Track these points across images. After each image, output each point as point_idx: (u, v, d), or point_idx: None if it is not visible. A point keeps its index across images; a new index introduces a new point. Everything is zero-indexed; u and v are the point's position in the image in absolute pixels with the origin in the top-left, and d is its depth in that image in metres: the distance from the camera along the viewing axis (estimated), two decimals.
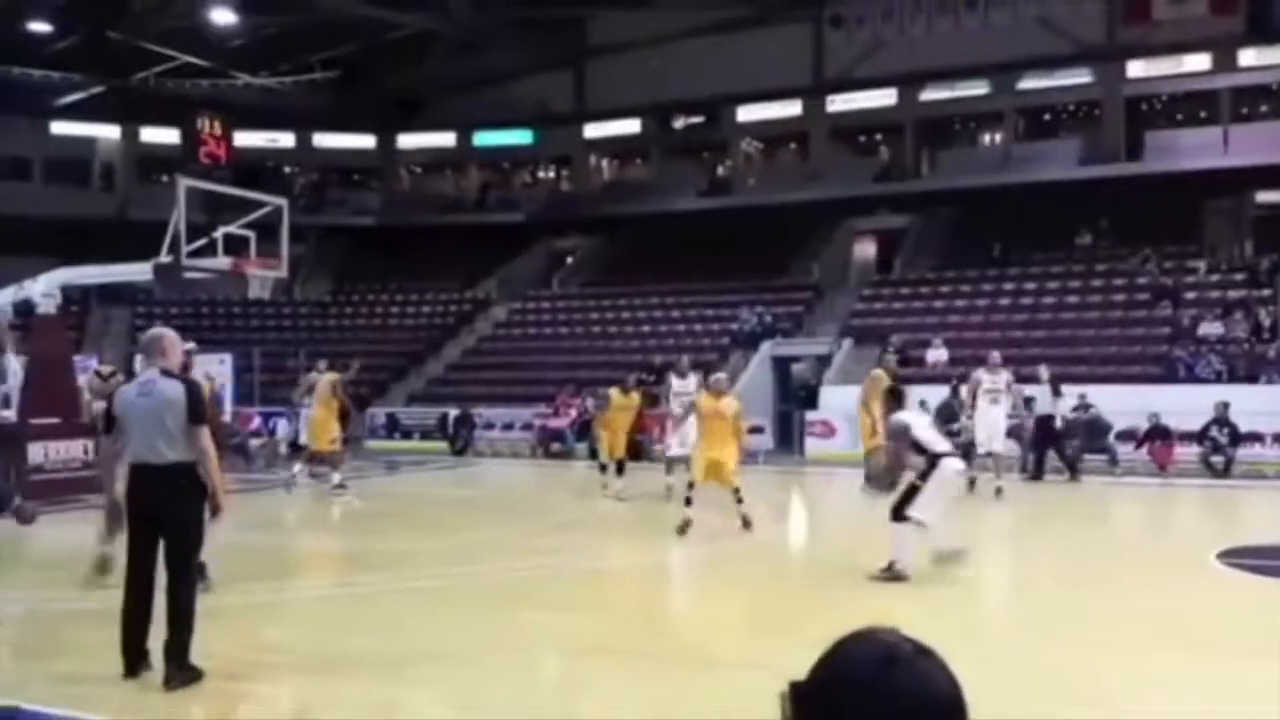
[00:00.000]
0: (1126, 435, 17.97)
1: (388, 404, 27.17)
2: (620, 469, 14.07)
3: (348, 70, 33.32)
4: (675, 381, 14.77)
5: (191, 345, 7.76)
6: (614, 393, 14.50)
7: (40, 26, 29.38)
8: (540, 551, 10.27)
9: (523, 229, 34.93)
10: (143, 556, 5.73)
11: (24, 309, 16.19)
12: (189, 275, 15.36)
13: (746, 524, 10.69)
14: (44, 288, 15.02)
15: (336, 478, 14.22)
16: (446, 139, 37.23)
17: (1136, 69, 28.97)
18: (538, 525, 12.25)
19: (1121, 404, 18.09)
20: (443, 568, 9.42)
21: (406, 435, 24.96)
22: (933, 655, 1.23)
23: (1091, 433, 17.80)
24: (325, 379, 14.68)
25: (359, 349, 28.90)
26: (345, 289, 34.65)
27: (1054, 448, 16.50)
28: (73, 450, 13.63)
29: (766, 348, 24.96)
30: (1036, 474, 16.36)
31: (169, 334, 6.14)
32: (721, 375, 12.46)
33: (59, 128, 34.83)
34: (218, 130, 29.50)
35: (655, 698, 5.52)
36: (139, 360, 6.17)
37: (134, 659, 5.62)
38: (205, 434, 5.87)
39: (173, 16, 28.99)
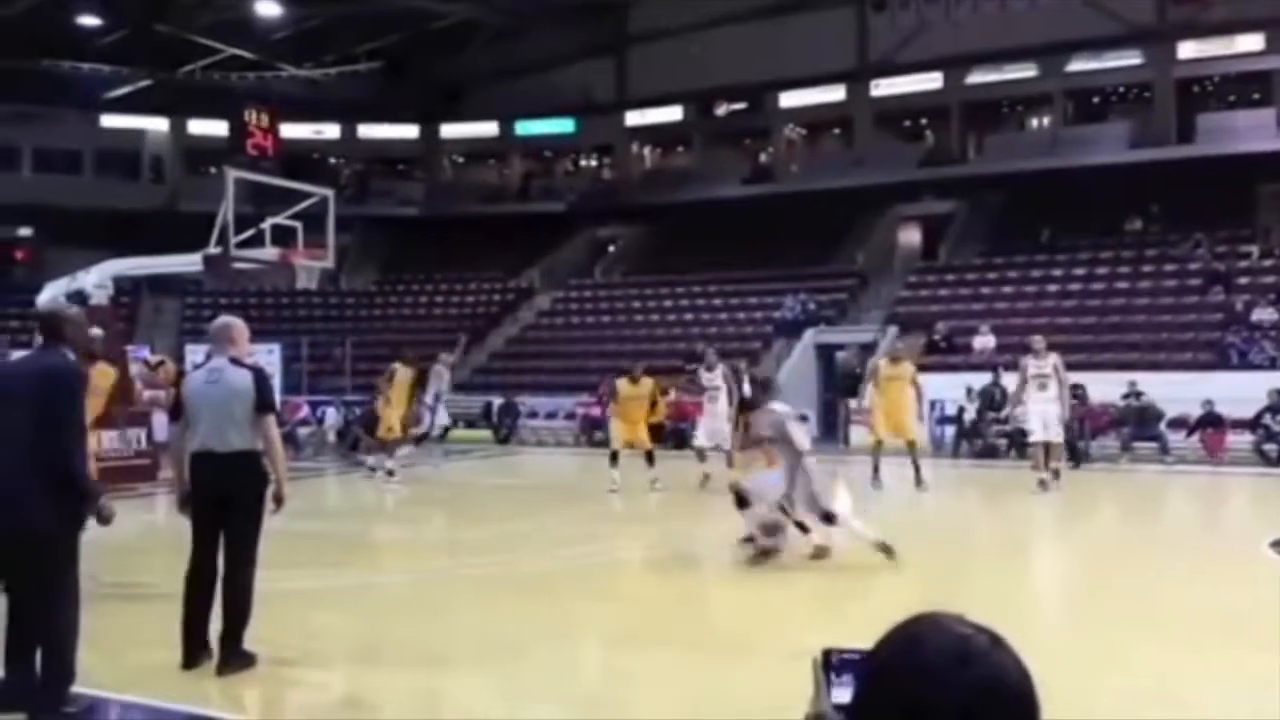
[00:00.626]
0: (1178, 423, 17.70)
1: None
2: (650, 459, 13.86)
3: (391, 61, 33.52)
4: (703, 375, 14.71)
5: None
6: (622, 382, 14.27)
7: (90, 20, 29.83)
8: (583, 540, 10.31)
9: (565, 218, 35.00)
10: (205, 545, 5.77)
11: (77, 299, 16.48)
12: (237, 266, 15.56)
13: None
14: (96, 278, 15.27)
15: (390, 464, 14.46)
16: (489, 128, 37.37)
17: (1188, 50, 28.43)
18: (580, 514, 12.29)
19: (1174, 391, 17.81)
20: (487, 556, 9.48)
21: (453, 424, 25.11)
22: (1005, 645, 1.21)
23: (1142, 420, 17.56)
24: (409, 369, 14.93)
25: (404, 338, 29.23)
26: (390, 278, 34.93)
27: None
28: (125, 439, 13.86)
29: (810, 335, 24.84)
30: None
31: (237, 323, 6.09)
32: (901, 344, 12.61)
33: (109, 120, 35.37)
34: (265, 122, 29.85)
35: (699, 687, 5.52)
36: (209, 348, 6.16)
37: (194, 648, 5.66)
38: (272, 423, 5.90)
39: (219, 9, 29.31)
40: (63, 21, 29.24)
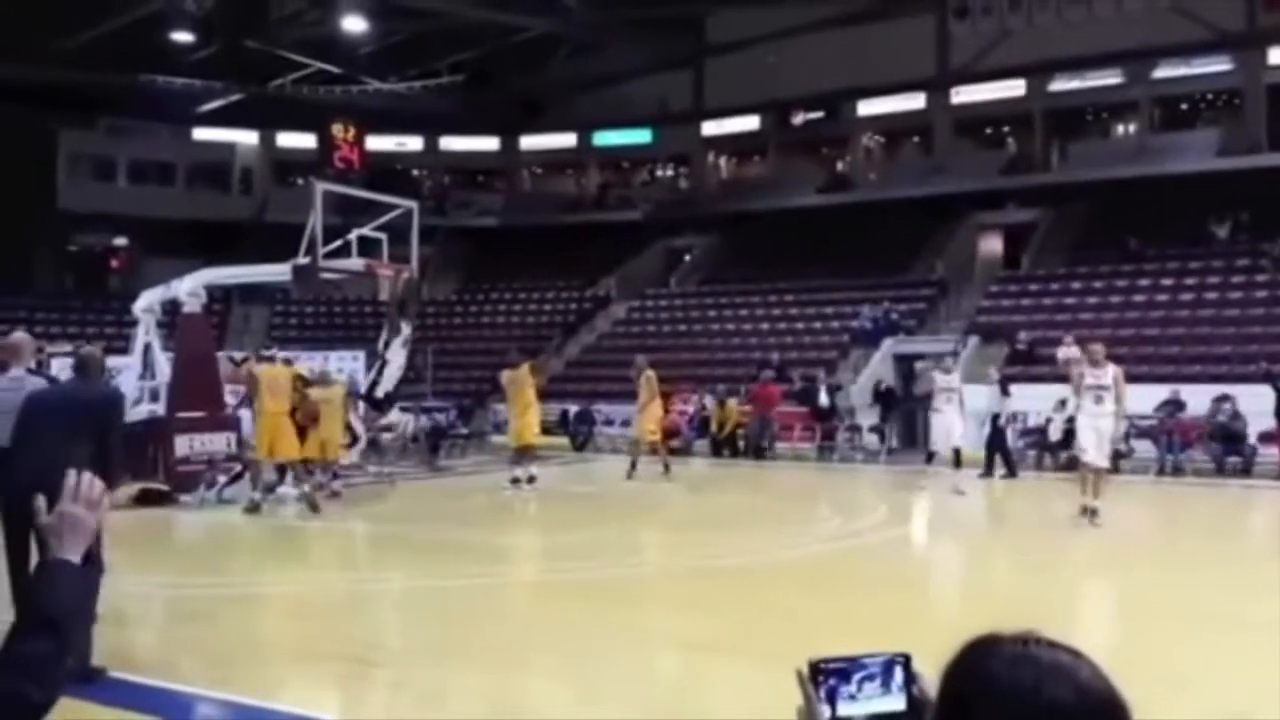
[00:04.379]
0: (1268, 437, 17.23)
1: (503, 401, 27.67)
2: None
3: (473, 74, 34.03)
4: (939, 377, 15.30)
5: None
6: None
7: (183, 37, 30.77)
8: (657, 548, 10.39)
9: (641, 227, 35.18)
10: None
11: (170, 307, 17.07)
12: (324, 276, 15.95)
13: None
14: (189, 287, 15.75)
15: (520, 472, 14.64)
16: (567, 139, 37.74)
17: (1279, 56, 27.67)
18: (655, 521, 12.38)
19: (1265, 404, 17.33)
20: (561, 562, 9.61)
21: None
22: (1083, 659, 1.16)
23: (1229, 434, 17.14)
24: (520, 373, 15.02)
25: (483, 346, 29.67)
26: (470, 288, 35.45)
27: (998, 446, 16.92)
28: (216, 443, 14.25)
29: (888, 345, 24.65)
30: (986, 472, 16.59)
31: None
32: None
33: (201, 134, 36.46)
34: (351, 135, 30.53)
35: (769, 697, 5.54)
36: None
37: None
38: None
39: (306, 25, 30.04)
40: (157, 38, 30.18)
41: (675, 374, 24.57)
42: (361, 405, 16.08)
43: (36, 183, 33.22)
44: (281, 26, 30.07)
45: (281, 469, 13.45)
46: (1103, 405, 11.58)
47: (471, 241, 36.33)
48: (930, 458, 15.38)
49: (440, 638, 7.13)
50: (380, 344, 16.54)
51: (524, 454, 15.03)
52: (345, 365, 21.54)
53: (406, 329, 15.57)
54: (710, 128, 35.89)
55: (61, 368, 12.26)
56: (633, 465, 16.20)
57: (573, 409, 24.34)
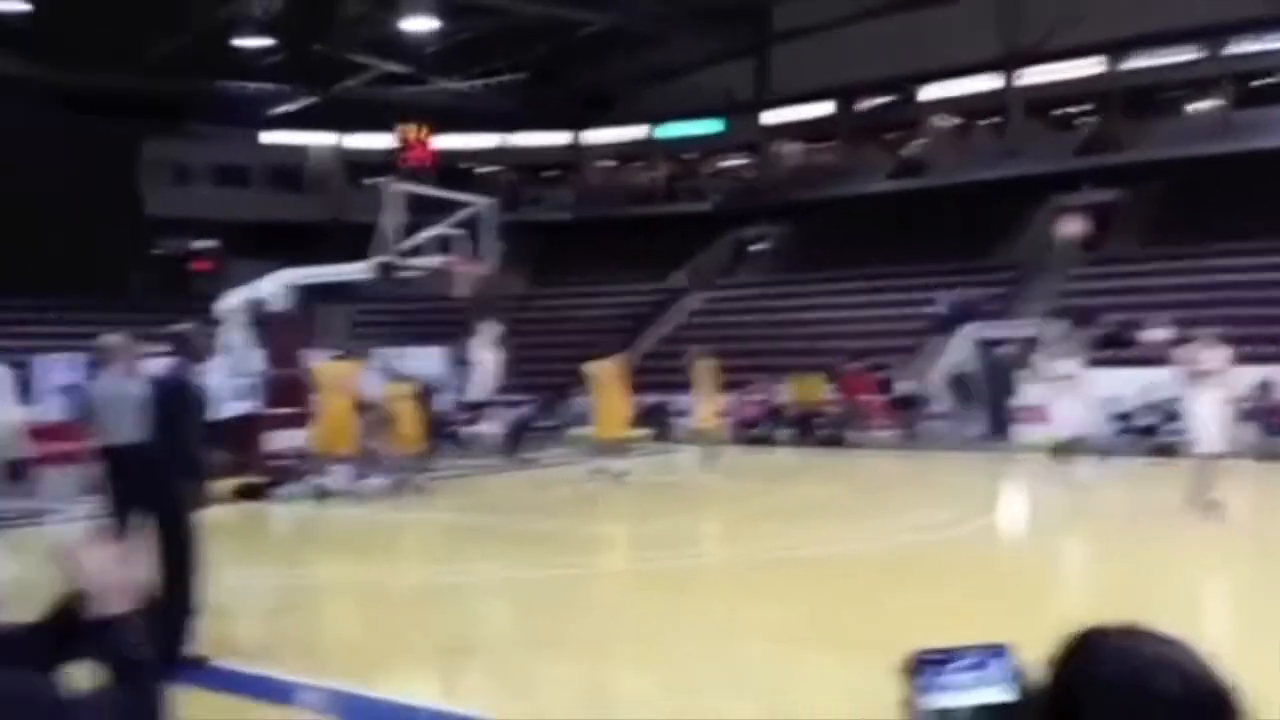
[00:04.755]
0: None
1: (586, 394, 27.82)
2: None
3: (539, 70, 34.26)
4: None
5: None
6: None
7: (254, 42, 31.43)
8: (741, 538, 10.40)
9: (711, 218, 35.13)
10: None
11: (255, 307, 17.47)
12: (401, 274, 16.20)
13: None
14: (272, 287, 16.12)
15: (606, 464, 14.59)
16: (635, 132, 37.82)
17: None
18: (734, 513, 12.38)
19: None
20: (646, 552, 9.68)
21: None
22: (1189, 650, 1.16)
23: None
24: (606, 366, 14.97)
25: (555, 340, 29.86)
26: (543, 282, 35.70)
27: None
28: (305, 438, 14.55)
29: (968, 331, 24.31)
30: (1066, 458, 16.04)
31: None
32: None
33: (273, 137, 37.20)
34: (421, 135, 30.96)
35: (858, 686, 5.52)
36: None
37: None
38: None
39: (374, 27, 30.48)
40: (229, 44, 30.89)
41: (749, 364, 24.53)
42: (448, 402, 16.22)
43: (123, 190, 34.21)
44: (348, 29, 30.56)
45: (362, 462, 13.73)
46: (1218, 392, 11.40)
47: (542, 236, 36.56)
48: (1057, 448, 14.71)
49: (529, 627, 7.23)
50: (467, 347, 16.60)
51: (611, 447, 14.96)
52: (423, 362, 21.83)
53: (493, 327, 15.60)
54: (776, 116, 35.69)
55: (155, 368, 12.59)
56: (706, 457, 16.20)
57: (648, 401, 24.38)
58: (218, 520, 8.32)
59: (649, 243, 33.78)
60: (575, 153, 38.89)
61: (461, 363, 16.08)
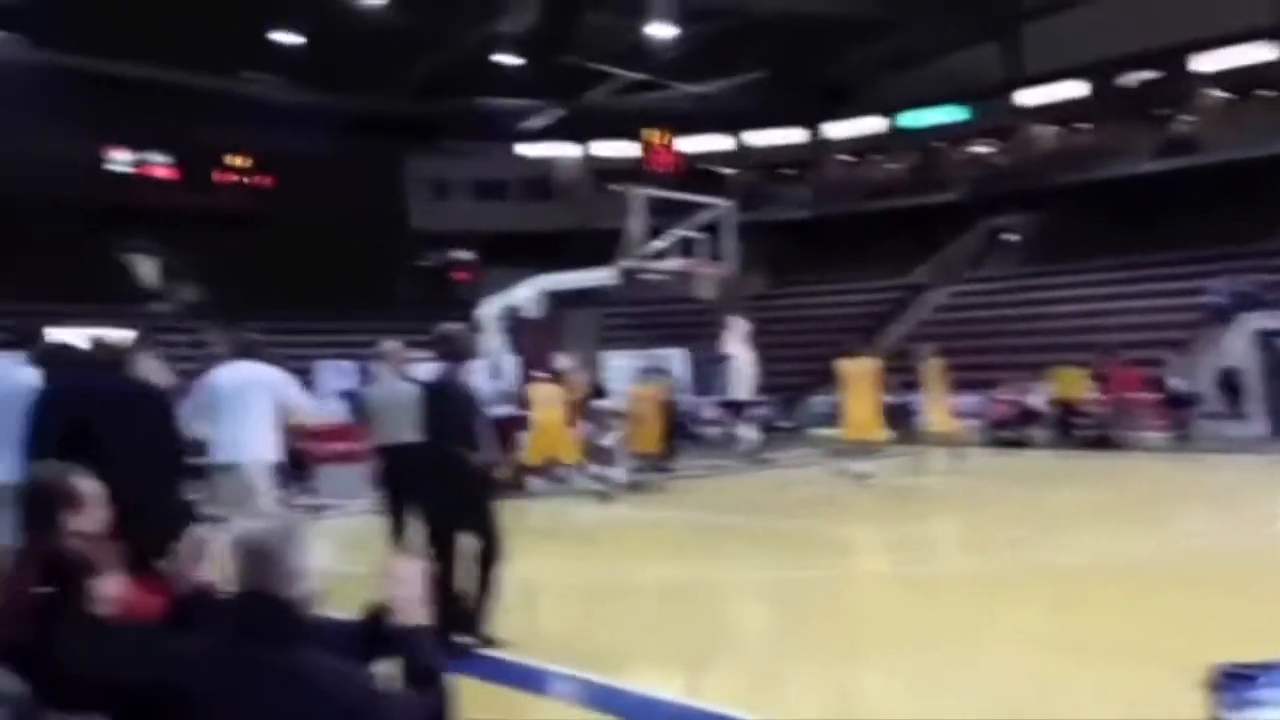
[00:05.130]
0: None
1: (829, 392, 27.55)
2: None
3: (777, 68, 34.19)
4: None
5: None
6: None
7: (508, 60, 33.00)
8: (990, 543, 10.03)
9: (957, 209, 33.99)
10: None
11: (511, 314, 18.38)
12: (645, 277, 16.61)
13: None
14: (526, 294, 16.90)
15: (853, 466, 14.16)
16: (875, 124, 37.12)
17: None
18: (986, 517, 11.95)
19: None
20: (891, 556, 9.51)
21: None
22: None
23: None
24: (860, 364, 14.64)
25: (795, 340, 29.72)
26: (780, 281, 35.60)
27: None
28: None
29: (1246, 322, 22.40)
30: None
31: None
32: None
33: (527, 150, 38.92)
34: (665, 140, 31.60)
35: (1136, 698, 5.24)
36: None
37: None
38: None
39: (618, 36, 31.33)
40: (486, 63, 32.57)
41: (1000, 361, 23.58)
42: (693, 402, 16.44)
43: (390, 206, 36.76)
44: (593, 41, 31.53)
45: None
46: None
47: (781, 235, 36.45)
48: None
49: (774, 627, 7.26)
50: (718, 346, 16.75)
51: (858, 448, 14.61)
52: (670, 364, 22.28)
53: (740, 324, 15.65)
54: (1028, 97, 34.13)
55: (426, 371, 13.43)
56: (950, 457, 15.62)
57: (891, 400, 23.85)
58: None
59: (890, 237, 33.07)
60: (813, 149, 38.55)
61: (713, 362, 16.16)
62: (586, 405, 14.40)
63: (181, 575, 2.94)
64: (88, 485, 3.30)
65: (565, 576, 8.91)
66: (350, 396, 26.68)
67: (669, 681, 5.98)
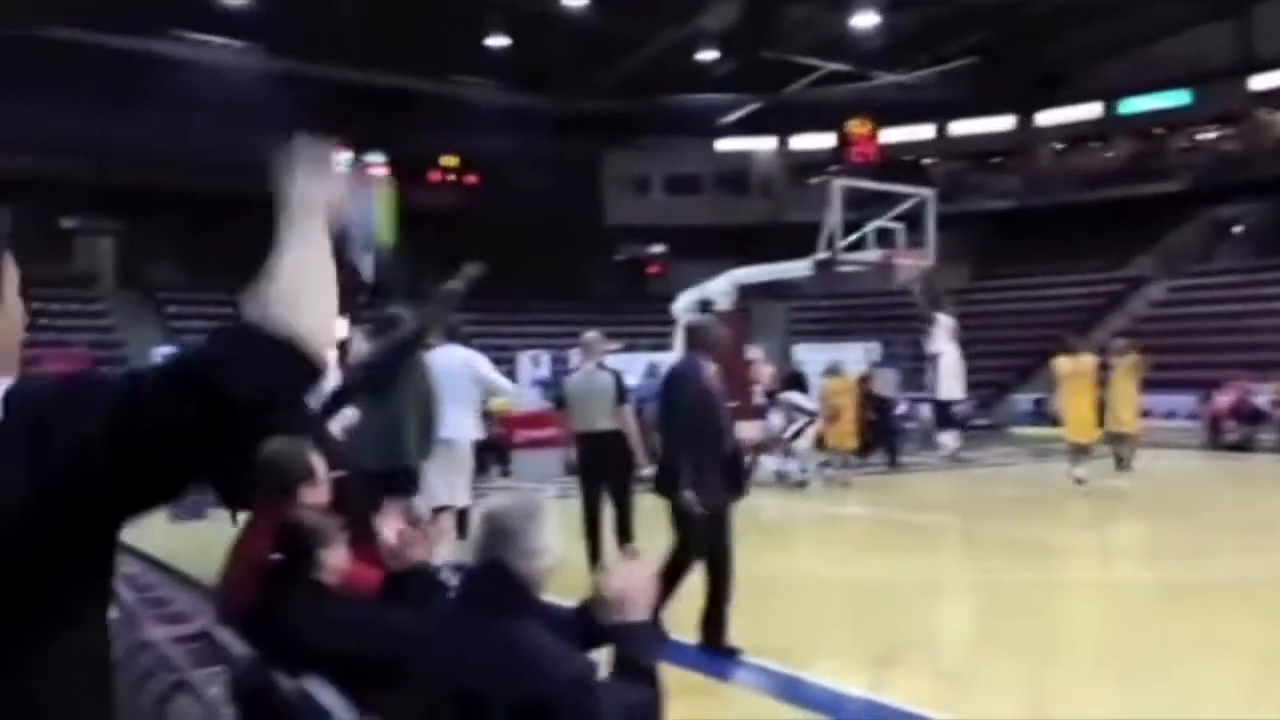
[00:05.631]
0: None
1: (1033, 390, 26.53)
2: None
3: (985, 54, 33.01)
4: None
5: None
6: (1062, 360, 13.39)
7: (708, 55, 33.14)
8: (1207, 551, 9.43)
9: (1180, 199, 31.99)
10: None
11: (704, 307, 18.46)
12: (841, 270, 16.38)
13: None
14: (721, 287, 16.94)
15: (1082, 470, 13.30)
16: (1090, 110, 35.35)
17: None
18: (1204, 523, 11.23)
19: None
20: (1095, 560, 9.11)
21: (1055, 422, 24.16)
22: None
23: None
24: (1081, 361, 13.91)
25: (998, 334, 28.70)
26: (984, 274, 34.44)
27: None
28: (750, 431, 15.15)
29: None
30: None
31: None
32: None
33: (723, 145, 39.02)
34: (867, 130, 31.06)
35: None
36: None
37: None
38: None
39: (819, 28, 30.98)
40: (684, 59, 32.83)
41: (1224, 360, 22.15)
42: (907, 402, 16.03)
43: (588, 202, 37.62)
44: (794, 33, 31.27)
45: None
46: None
47: (985, 226, 35.23)
48: None
49: (968, 627, 7.08)
50: (927, 345, 16.18)
51: (1079, 450, 13.56)
52: (859, 357, 21.93)
53: (946, 319, 14.98)
54: (1261, 81, 31.72)
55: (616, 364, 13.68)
56: (1118, 458, 14.36)
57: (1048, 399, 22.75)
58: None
59: (1105, 229, 31.45)
60: (1022, 137, 37.03)
61: (918, 359, 15.56)
62: (775, 397, 14.32)
63: (397, 549, 3.10)
64: (319, 461, 3.57)
65: (751, 569, 8.94)
66: (548, 385, 27.60)
67: (856, 675, 5.93)
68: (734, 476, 6.38)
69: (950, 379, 13.98)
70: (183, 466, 1.24)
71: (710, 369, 6.30)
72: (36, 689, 1.20)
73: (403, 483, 6.18)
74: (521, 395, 11.08)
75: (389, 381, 6.28)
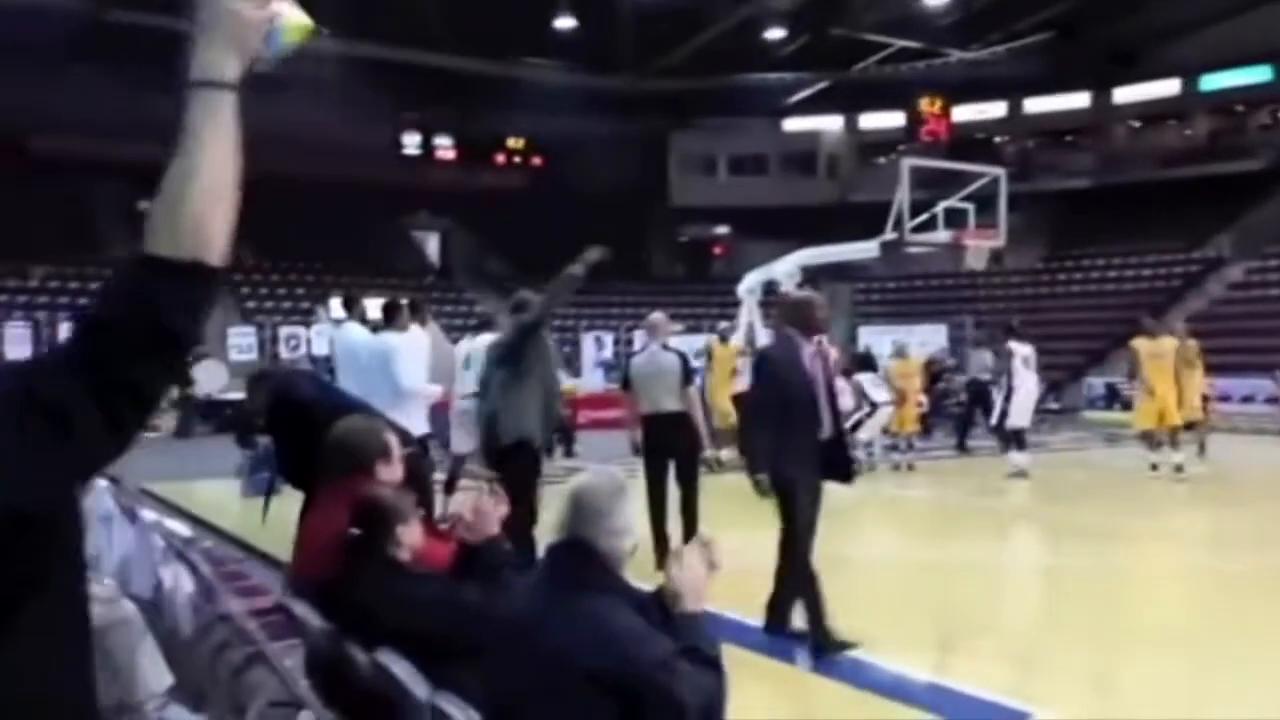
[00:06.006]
0: None
1: (1105, 374, 26.05)
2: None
3: (1061, 30, 32.26)
4: None
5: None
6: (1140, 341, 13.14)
7: (775, 34, 32.83)
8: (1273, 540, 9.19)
9: (1259, 177, 31.05)
10: None
11: (769, 288, 18.37)
12: (910, 250, 16.17)
13: None
14: (786, 268, 16.84)
15: (1175, 457, 12.82)
16: (1168, 87, 34.40)
17: None
18: (1270, 511, 10.94)
19: None
20: (1165, 546, 8.95)
21: (1127, 406, 23.67)
22: None
23: None
24: (1160, 344, 13.40)
25: (1071, 316, 28.18)
26: (1058, 255, 33.80)
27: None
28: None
29: None
30: None
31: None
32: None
33: (789, 124, 38.68)
34: (937, 109, 30.55)
35: None
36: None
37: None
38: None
39: (888, 5, 30.53)
40: (751, 38, 32.55)
41: None
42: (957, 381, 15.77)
43: (652, 183, 37.57)
44: (865, 11, 30.85)
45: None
46: None
47: (1058, 206, 34.53)
48: None
49: (1028, 612, 7.00)
50: (999, 375, 15.05)
51: (1157, 436, 13.14)
52: (927, 339, 21.71)
53: (1022, 348, 13.95)
54: None
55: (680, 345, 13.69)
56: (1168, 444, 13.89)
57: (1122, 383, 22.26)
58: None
59: (1181, 209, 30.64)
60: (1097, 114, 36.16)
61: (997, 354, 14.85)
62: (850, 377, 14.17)
63: (472, 524, 3.15)
64: (394, 439, 3.64)
65: (818, 552, 8.89)
66: (611, 367, 27.69)
67: (922, 659, 5.88)
68: (837, 461, 6.06)
69: (1024, 411, 13.44)
70: (143, 415, 1.28)
71: (809, 348, 5.91)
72: (12, 657, 1.21)
73: (525, 458, 6.56)
74: (569, 381, 11.37)
75: (517, 361, 6.67)
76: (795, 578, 5.91)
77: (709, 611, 2.55)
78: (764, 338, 17.30)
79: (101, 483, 7.02)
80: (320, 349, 20.11)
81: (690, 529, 7.08)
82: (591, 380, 25.96)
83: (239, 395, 20.49)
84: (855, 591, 7.56)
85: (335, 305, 8.71)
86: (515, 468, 6.41)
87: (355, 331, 7.89)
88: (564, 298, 7.12)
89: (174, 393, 20.39)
